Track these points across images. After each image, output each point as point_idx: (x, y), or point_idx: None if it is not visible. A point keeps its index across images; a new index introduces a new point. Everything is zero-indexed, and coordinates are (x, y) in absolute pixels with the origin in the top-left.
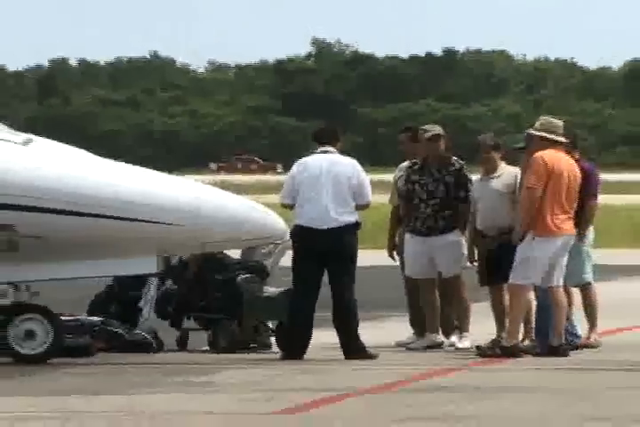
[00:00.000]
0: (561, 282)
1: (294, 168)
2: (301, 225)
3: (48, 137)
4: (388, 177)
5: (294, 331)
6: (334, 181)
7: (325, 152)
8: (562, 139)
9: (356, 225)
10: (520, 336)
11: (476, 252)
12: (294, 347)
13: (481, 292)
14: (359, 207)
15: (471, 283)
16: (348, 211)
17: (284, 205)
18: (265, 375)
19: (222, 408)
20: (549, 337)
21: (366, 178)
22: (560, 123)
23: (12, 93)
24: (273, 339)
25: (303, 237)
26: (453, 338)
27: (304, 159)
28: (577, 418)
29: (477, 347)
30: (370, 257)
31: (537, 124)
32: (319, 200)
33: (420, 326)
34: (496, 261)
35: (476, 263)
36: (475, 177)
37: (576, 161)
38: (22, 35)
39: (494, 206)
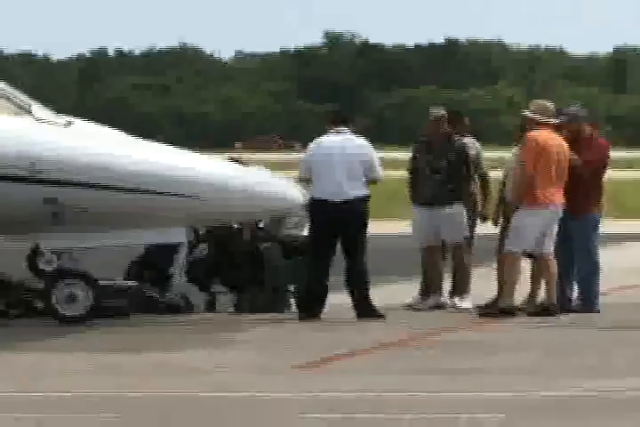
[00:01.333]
0: (551, 249)
1: (310, 147)
2: (317, 198)
3: (90, 120)
4: (393, 155)
5: (312, 293)
6: (347, 158)
7: (339, 132)
8: (553, 120)
9: (367, 197)
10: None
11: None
12: (312, 308)
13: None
14: (370, 182)
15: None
16: (359, 185)
17: (302, 179)
18: (286, 333)
19: (247, 362)
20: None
21: (376, 155)
22: (551, 105)
23: (56, 81)
24: (293, 301)
25: (319, 209)
26: (456, 299)
27: (319, 139)
28: (567, 368)
29: (478, 307)
30: (379, 226)
31: (531, 108)
32: (333, 175)
33: (427, 288)
34: None
35: (497, 226)
36: (509, 153)
37: (596, 139)
38: (66, 26)
39: None
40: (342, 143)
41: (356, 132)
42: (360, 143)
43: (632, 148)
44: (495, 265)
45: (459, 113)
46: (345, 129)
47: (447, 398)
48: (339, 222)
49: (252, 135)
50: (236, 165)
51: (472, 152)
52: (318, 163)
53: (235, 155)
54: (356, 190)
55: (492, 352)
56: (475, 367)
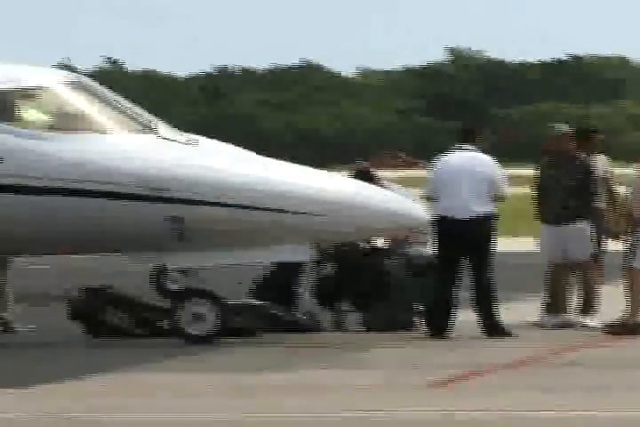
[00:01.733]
0: None
1: (436, 164)
2: (443, 215)
3: (213, 137)
4: (519, 171)
5: (440, 311)
6: (472, 175)
7: (464, 149)
8: None
9: (493, 215)
10: None
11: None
12: (440, 325)
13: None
14: (495, 199)
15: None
16: (485, 202)
17: (427, 198)
18: (415, 352)
19: (381, 382)
20: None
21: (502, 173)
22: None
23: (179, 98)
24: (418, 319)
25: (445, 226)
26: (584, 317)
27: (445, 156)
28: None
29: (606, 325)
30: (505, 243)
31: None
32: (459, 193)
33: (554, 305)
34: None
35: (622, 242)
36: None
37: None
38: (188, 45)
39: None
40: (468, 160)
41: (484, 149)
42: (486, 160)
43: None
44: (622, 282)
45: (594, 129)
46: (471, 146)
47: (587, 416)
48: (465, 240)
49: (378, 152)
50: (361, 182)
51: (601, 169)
52: (444, 180)
53: (363, 167)
54: (483, 207)
55: (623, 369)
56: (606, 385)
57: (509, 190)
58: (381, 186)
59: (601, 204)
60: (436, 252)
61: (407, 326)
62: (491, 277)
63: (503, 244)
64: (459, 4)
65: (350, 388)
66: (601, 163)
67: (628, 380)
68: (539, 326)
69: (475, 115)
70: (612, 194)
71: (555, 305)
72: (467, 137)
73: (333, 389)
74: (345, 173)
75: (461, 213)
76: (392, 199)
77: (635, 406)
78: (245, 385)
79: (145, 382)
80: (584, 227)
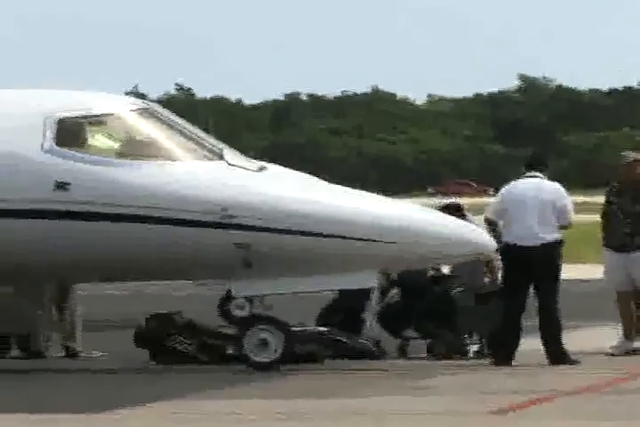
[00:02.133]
0: None
1: (504, 190)
2: (510, 242)
3: (282, 164)
4: (589, 199)
5: (505, 338)
6: (540, 203)
7: (533, 177)
8: None
9: (560, 242)
10: None
11: None
12: (505, 353)
13: None
14: (562, 227)
15: None
16: (551, 229)
17: (489, 221)
18: (479, 378)
19: (442, 408)
20: None
21: (569, 201)
22: None
23: (248, 125)
24: (475, 347)
25: (512, 253)
26: None
27: (513, 183)
28: None
29: None
30: (572, 270)
31: None
32: (525, 220)
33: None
34: None
35: None
36: None
37: None
38: (258, 72)
39: None
40: (536, 188)
41: (550, 177)
42: (554, 188)
43: None
44: None
45: None
46: (539, 173)
47: None
48: (531, 266)
49: (447, 179)
50: (428, 209)
51: None
52: (511, 207)
53: (452, 201)
54: (549, 234)
55: None
56: None
57: (573, 218)
58: (468, 220)
59: None
60: (504, 279)
61: (465, 353)
62: (557, 304)
63: (571, 270)
64: (530, 31)
65: (409, 415)
66: None
67: None
68: (606, 353)
69: (543, 142)
70: None
71: (624, 332)
72: (534, 165)
73: (392, 415)
74: (416, 200)
75: (528, 241)
76: (461, 227)
77: None
78: (304, 411)
79: (207, 408)
80: None
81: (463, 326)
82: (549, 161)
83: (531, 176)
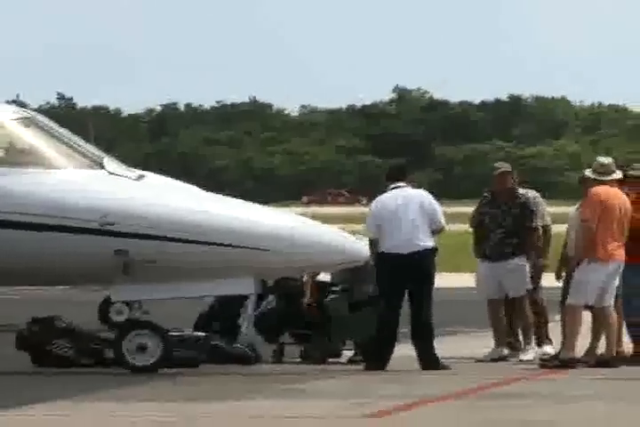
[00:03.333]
0: (612, 303)
1: (373, 206)
2: (387, 252)
3: (160, 173)
4: (463, 209)
5: (381, 344)
6: (410, 211)
7: (397, 187)
8: (612, 177)
9: (434, 249)
10: (577, 349)
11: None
12: (380, 359)
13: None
14: (435, 232)
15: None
16: (425, 236)
17: (370, 239)
18: (353, 384)
19: (317, 413)
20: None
21: (438, 205)
22: (610, 162)
23: (127, 134)
24: (348, 352)
25: (388, 261)
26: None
27: (380, 197)
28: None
29: (540, 359)
30: (446, 278)
31: (592, 166)
32: (400, 229)
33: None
34: None
35: (560, 282)
36: (572, 208)
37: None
38: (136, 82)
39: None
40: (403, 196)
41: (426, 188)
42: (420, 194)
43: None
44: (559, 318)
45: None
46: (402, 183)
47: None
48: (407, 274)
49: (322, 189)
50: (303, 218)
51: (537, 206)
52: (384, 220)
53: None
54: (424, 242)
55: (558, 403)
56: (544, 420)
57: (444, 223)
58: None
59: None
60: (380, 286)
61: (339, 357)
62: (430, 311)
63: (445, 279)
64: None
65: (289, 418)
66: (533, 198)
67: (550, 413)
68: (476, 360)
69: (417, 154)
70: (544, 228)
71: (495, 339)
72: (394, 175)
73: (271, 419)
74: (292, 209)
75: (403, 249)
76: (335, 235)
77: None
78: (197, 414)
79: (89, 409)
80: (521, 263)
81: (337, 332)
82: (423, 172)
83: (395, 187)
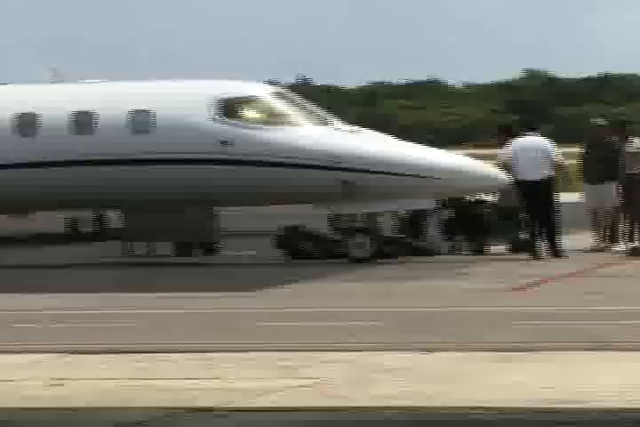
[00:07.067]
0: None
1: (513, 143)
2: (521, 179)
3: (371, 128)
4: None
5: (532, 241)
6: (540, 149)
7: (529, 135)
8: None
9: (553, 177)
10: None
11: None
12: (535, 251)
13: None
14: (557, 166)
15: None
16: (548, 168)
17: (504, 165)
18: (502, 267)
19: (471, 286)
20: None
21: (555, 149)
22: None
23: (348, 103)
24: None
25: (524, 186)
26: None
27: (519, 138)
28: None
29: (632, 248)
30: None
31: None
32: (531, 162)
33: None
34: None
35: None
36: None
37: None
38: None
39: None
40: (534, 140)
41: (539, 134)
42: (545, 141)
43: None
44: None
45: (627, 121)
46: (532, 133)
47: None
48: (538, 194)
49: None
50: (463, 156)
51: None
52: (520, 153)
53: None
54: (547, 172)
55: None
56: (634, 291)
57: (564, 161)
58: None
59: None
60: (521, 202)
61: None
62: (555, 216)
63: (563, 197)
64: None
65: (453, 291)
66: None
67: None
68: (589, 251)
69: (540, 113)
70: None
71: (598, 237)
72: (529, 126)
73: (443, 290)
74: (455, 151)
75: (534, 176)
76: (485, 168)
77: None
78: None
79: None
80: (611, 185)
81: (487, 233)
82: (546, 126)
83: (528, 134)
